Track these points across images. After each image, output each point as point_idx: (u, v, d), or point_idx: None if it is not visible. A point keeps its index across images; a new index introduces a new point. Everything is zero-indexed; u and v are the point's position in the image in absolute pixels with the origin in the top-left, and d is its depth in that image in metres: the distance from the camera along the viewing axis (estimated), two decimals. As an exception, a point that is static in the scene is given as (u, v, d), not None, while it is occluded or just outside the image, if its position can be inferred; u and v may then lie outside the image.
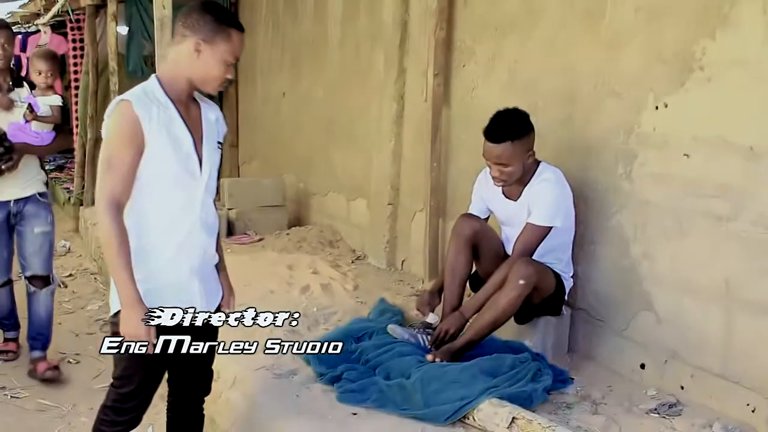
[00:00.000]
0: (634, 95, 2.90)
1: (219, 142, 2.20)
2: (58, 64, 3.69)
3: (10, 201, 3.62)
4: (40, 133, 3.59)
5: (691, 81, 2.66)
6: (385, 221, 4.70)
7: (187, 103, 2.12)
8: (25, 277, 3.77)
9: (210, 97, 2.27)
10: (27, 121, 3.51)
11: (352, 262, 4.89)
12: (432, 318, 3.13)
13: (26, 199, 3.65)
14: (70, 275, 5.96)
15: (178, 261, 2.10)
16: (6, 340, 4.03)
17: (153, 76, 2.10)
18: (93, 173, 7.09)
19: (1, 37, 3.49)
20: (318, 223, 5.77)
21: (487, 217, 3.23)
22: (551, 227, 2.92)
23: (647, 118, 2.85)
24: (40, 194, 3.70)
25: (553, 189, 2.93)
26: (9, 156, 3.43)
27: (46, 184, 3.78)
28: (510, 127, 2.89)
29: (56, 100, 3.68)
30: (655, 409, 2.68)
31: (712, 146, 2.59)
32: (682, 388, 2.75)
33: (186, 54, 2.03)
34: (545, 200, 2.92)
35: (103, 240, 1.97)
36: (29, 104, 3.51)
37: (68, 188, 8.39)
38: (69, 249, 6.82)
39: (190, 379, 2.36)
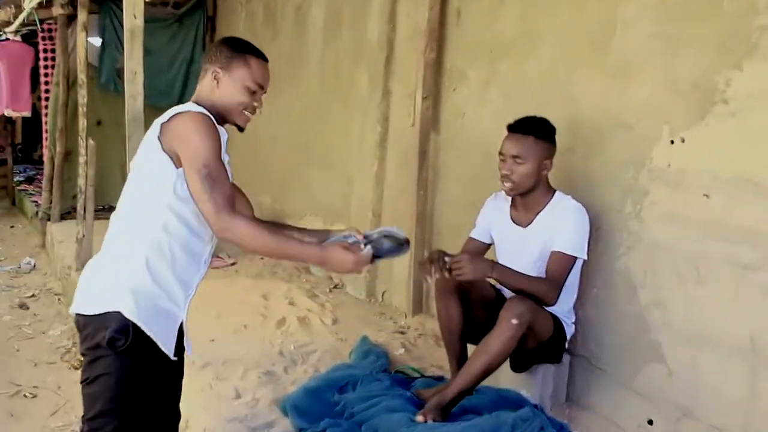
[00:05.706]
0: (646, 128, 2.68)
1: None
2: None
3: None
4: None
5: (712, 114, 2.44)
6: (365, 250, 4.45)
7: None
8: None
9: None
10: None
11: (330, 291, 4.66)
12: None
13: None
14: (33, 295, 5.65)
15: (187, 282, 1.99)
16: None
17: (191, 102, 2.04)
18: (61, 187, 6.82)
19: None
20: (293, 248, 5.50)
21: (488, 246, 2.99)
22: (576, 258, 2.71)
23: (661, 153, 2.63)
24: None
25: (582, 218, 2.73)
26: None
27: None
28: (537, 125, 2.76)
29: None
30: (668, 472, 2.46)
31: (737, 187, 2.36)
32: (696, 448, 2.53)
33: (207, 86, 2.04)
34: (573, 228, 2.71)
35: (259, 245, 1.88)
36: None
37: (36, 201, 8.13)
38: (34, 266, 6.53)
39: (161, 418, 2.10)
